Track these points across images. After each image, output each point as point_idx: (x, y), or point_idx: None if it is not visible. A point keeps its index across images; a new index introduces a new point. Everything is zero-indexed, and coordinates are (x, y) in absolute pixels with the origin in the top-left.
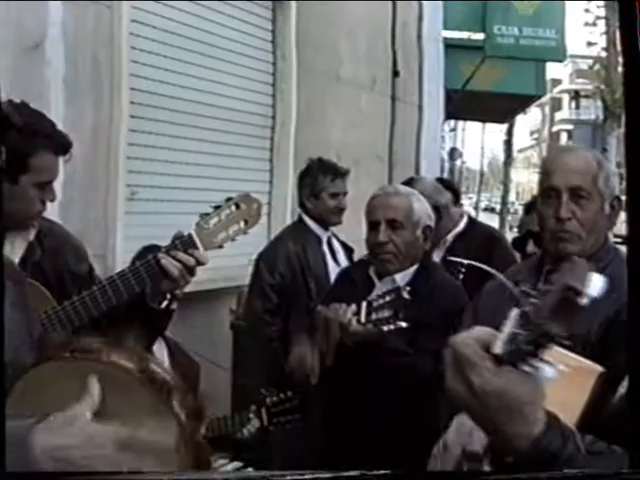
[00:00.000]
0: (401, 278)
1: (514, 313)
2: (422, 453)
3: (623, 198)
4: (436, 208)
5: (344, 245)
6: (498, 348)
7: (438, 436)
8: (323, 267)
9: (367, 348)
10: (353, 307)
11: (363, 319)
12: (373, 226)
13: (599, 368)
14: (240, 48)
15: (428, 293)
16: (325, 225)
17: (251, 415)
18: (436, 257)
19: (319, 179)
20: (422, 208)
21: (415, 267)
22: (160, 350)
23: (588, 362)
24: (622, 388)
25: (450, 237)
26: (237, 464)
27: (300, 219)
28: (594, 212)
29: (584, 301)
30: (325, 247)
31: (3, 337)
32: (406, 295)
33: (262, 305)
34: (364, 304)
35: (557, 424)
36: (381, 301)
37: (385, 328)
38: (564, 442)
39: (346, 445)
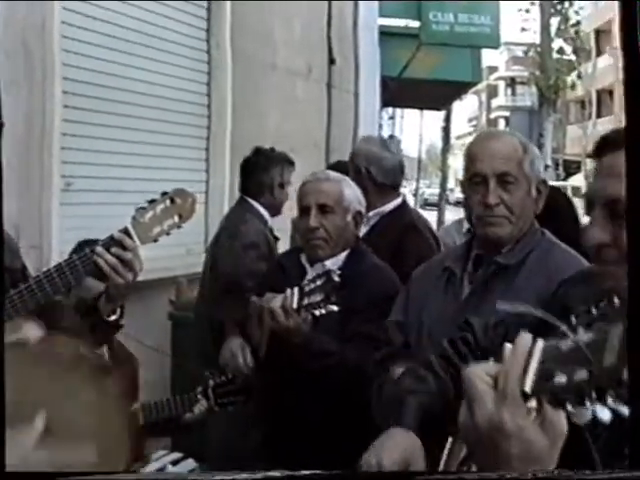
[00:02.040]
0: (332, 263)
1: (539, 345)
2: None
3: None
4: None
5: (276, 238)
6: (529, 385)
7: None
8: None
9: (293, 352)
10: (286, 293)
11: (295, 305)
12: (304, 211)
13: None
14: (174, 37)
15: (359, 278)
16: (273, 214)
17: (199, 396)
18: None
19: (285, 169)
20: (352, 194)
21: (346, 252)
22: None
23: None
24: None
25: (376, 216)
26: (177, 455)
27: (244, 200)
28: (521, 196)
29: None
30: (267, 232)
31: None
32: (336, 278)
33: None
34: (295, 290)
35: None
36: (312, 285)
37: (317, 312)
38: None
39: (279, 440)
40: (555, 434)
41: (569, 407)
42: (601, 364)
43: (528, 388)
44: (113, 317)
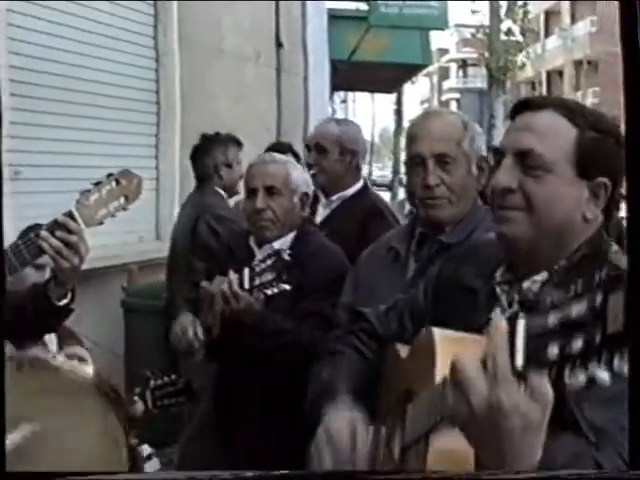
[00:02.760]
0: (280, 244)
1: (522, 323)
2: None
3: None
4: None
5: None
6: (520, 362)
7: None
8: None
9: (246, 332)
10: (236, 275)
11: (247, 285)
12: (251, 193)
13: None
14: (122, 23)
15: (308, 258)
16: (228, 194)
17: (135, 398)
18: (322, 215)
19: (230, 148)
20: (299, 175)
21: (294, 234)
22: (49, 337)
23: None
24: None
25: (338, 200)
26: (132, 440)
27: (208, 186)
28: (461, 176)
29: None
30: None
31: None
32: (287, 257)
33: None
34: (246, 270)
35: (550, 447)
36: (263, 265)
37: (269, 292)
38: (554, 462)
39: (234, 420)
40: (544, 402)
41: (565, 378)
42: (602, 331)
43: (519, 365)
44: (64, 301)
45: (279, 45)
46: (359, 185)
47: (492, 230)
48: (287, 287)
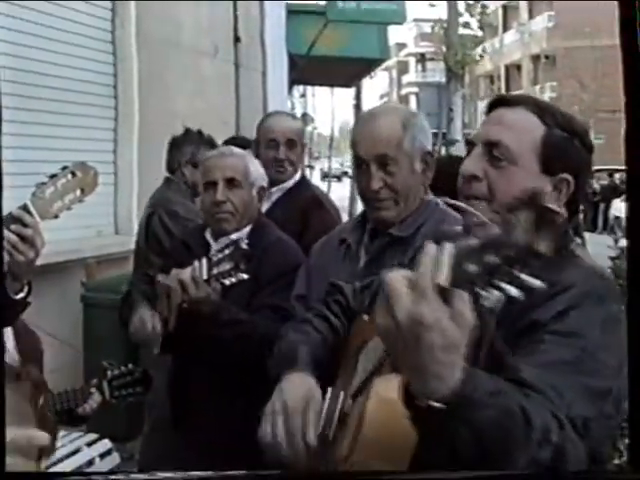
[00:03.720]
0: (237, 237)
1: (448, 246)
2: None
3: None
4: None
5: None
6: (444, 279)
7: None
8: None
9: (204, 322)
10: (194, 265)
11: (205, 275)
12: (210, 186)
13: None
14: (79, 17)
15: (264, 250)
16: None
17: (92, 389)
18: (262, 208)
19: (200, 150)
20: (256, 169)
21: (250, 226)
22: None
23: None
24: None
25: (278, 191)
26: (93, 435)
27: (172, 181)
28: (404, 175)
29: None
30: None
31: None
32: (244, 246)
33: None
34: (204, 260)
35: (469, 368)
36: (220, 255)
37: (227, 282)
38: (476, 387)
39: (191, 412)
40: (464, 323)
41: (482, 292)
42: (512, 244)
43: (443, 282)
44: (20, 295)
45: (237, 40)
46: (298, 176)
47: (442, 222)
48: (245, 276)
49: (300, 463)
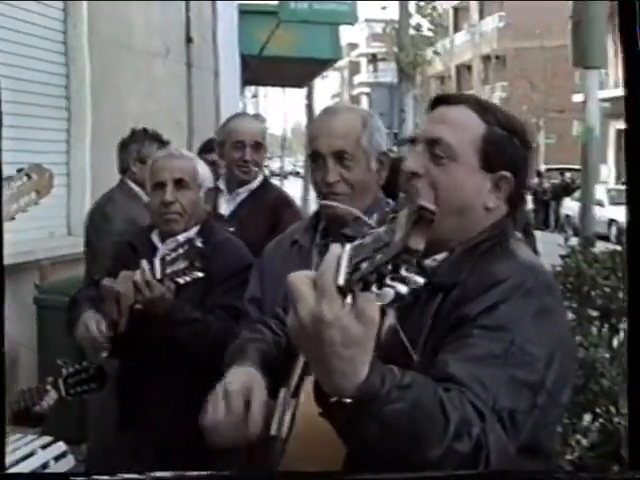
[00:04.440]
0: (188, 237)
1: (347, 247)
2: None
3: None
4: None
5: None
6: (342, 279)
7: None
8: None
9: (157, 321)
10: (147, 265)
11: (158, 275)
12: (158, 187)
13: None
14: (30, 17)
15: (213, 251)
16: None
17: (48, 387)
18: (226, 210)
19: (145, 145)
20: (204, 171)
21: (197, 227)
22: None
23: None
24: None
25: (244, 192)
26: (47, 438)
27: (123, 182)
28: (361, 172)
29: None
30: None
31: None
32: (199, 244)
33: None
34: (157, 260)
35: (377, 364)
36: (174, 254)
37: (181, 280)
38: (383, 383)
39: (141, 413)
40: (367, 320)
41: (375, 289)
42: (392, 240)
43: (342, 282)
44: None
45: (189, 40)
46: (261, 177)
47: None
48: (200, 274)
49: (242, 448)
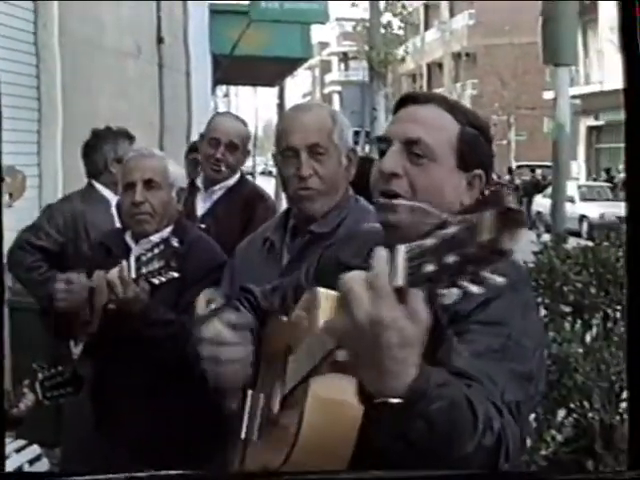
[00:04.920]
0: (158, 238)
1: (402, 249)
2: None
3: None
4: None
5: None
6: (400, 280)
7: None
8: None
9: (131, 322)
10: (122, 265)
11: (133, 274)
12: (129, 187)
13: None
14: (1, 18)
15: (187, 250)
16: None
17: (25, 390)
18: (203, 208)
19: (119, 144)
20: (176, 170)
21: (170, 227)
22: None
23: None
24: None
25: (220, 190)
26: (21, 441)
27: (90, 185)
28: (333, 167)
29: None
30: (114, 210)
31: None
32: (175, 244)
33: (27, 237)
34: (132, 260)
35: (421, 363)
36: (149, 254)
37: (156, 280)
38: (428, 381)
39: (115, 415)
40: (420, 320)
41: (440, 290)
42: (475, 241)
43: (399, 282)
44: None
45: (160, 40)
46: (237, 175)
47: (362, 219)
48: (176, 275)
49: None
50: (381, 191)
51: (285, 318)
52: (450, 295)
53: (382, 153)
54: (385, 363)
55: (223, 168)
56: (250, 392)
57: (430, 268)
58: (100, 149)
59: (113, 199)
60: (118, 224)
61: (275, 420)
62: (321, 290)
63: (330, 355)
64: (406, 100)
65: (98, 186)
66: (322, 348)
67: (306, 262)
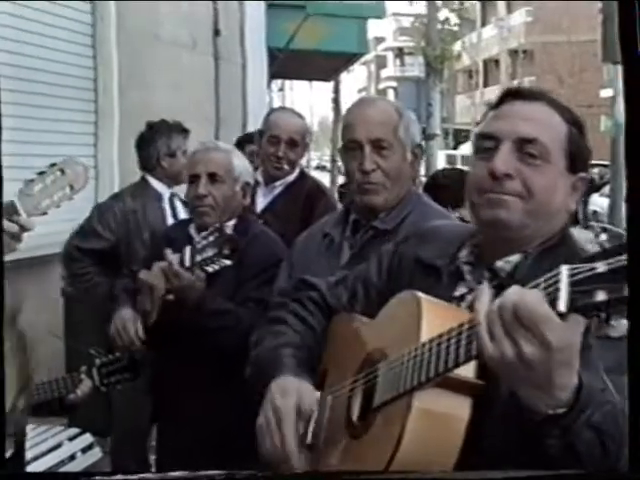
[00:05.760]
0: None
1: (565, 269)
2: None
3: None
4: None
5: (185, 203)
6: (563, 305)
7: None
8: (162, 223)
9: (188, 311)
10: (177, 254)
11: (188, 263)
12: (193, 180)
13: None
14: (58, 10)
15: (248, 245)
16: (173, 183)
17: (82, 376)
18: (262, 203)
19: (173, 138)
20: (242, 164)
21: (233, 221)
22: None
23: None
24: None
25: (281, 186)
26: (75, 430)
27: (143, 179)
28: (397, 161)
29: None
30: (166, 204)
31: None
32: (229, 231)
33: (78, 242)
34: (187, 248)
35: (581, 372)
36: (204, 242)
37: (210, 269)
38: (588, 384)
39: (173, 404)
40: (579, 331)
41: (609, 321)
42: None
43: (563, 308)
44: None
45: (216, 33)
46: (298, 171)
47: (425, 216)
48: (228, 262)
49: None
50: (489, 190)
51: (365, 319)
52: (620, 327)
53: (484, 150)
54: (554, 380)
55: (285, 166)
56: (318, 394)
57: (602, 297)
58: (154, 142)
59: (166, 193)
60: (170, 218)
61: (355, 430)
62: (424, 297)
63: (444, 374)
64: (511, 95)
65: (151, 180)
66: (435, 367)
67: (374, 256)
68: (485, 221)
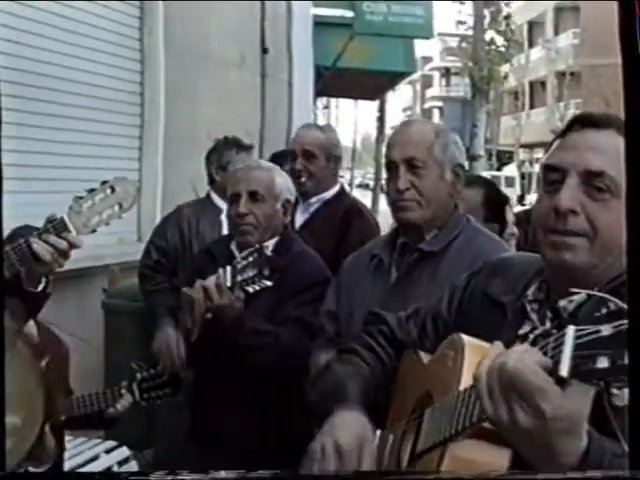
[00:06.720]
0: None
1: (571, 330)
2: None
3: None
4: None
5: None
6: (565, 371)
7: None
8: (218, 234)
9: (227, 329)
10: (219, 272)
11: (229, 283)
12: (235, 198)
13: None
14: (106, 24)
15: (289, 263)
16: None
17: (123, 390)
18: (300, 220)
19: (225, 153)
20: (283, 182)
21: (275, 239)
22: (30, 331)
23: None
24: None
25: (318, 202)
26: (112, 443)
27: (207, 193)
28: (433, 180)
29: None
30: (224, 217)
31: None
32: (269, 252)
33: (142, 260)
34: (228, 268)
35: (591, 432)
36: (244, 262)
37: (250, 289)
38: (600, 449)
39: (210, 423)
40: (582, 399)
41: (613, 390)
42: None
43: (565, 374)
44: (39, 287)
45: (264, 50)
46: (337, 187)
47: (473, 239)
48: (269, 283)
49: None
50: (553, 230)
51: (426, 358)
52: (622, 397)
53: (549, 183)
54: (561, 448)
55: (304, 178)
56: (379, 432)
57: (604, 364)
58: (210, 158)
59: (224, 206)
60: (226, 231)
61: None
62: (467, 340)
63: (475, 426)
64: (581, 122)
65: (212, 194)
66: (469, 418)
67: (446, 289)
68: (550, 262)
